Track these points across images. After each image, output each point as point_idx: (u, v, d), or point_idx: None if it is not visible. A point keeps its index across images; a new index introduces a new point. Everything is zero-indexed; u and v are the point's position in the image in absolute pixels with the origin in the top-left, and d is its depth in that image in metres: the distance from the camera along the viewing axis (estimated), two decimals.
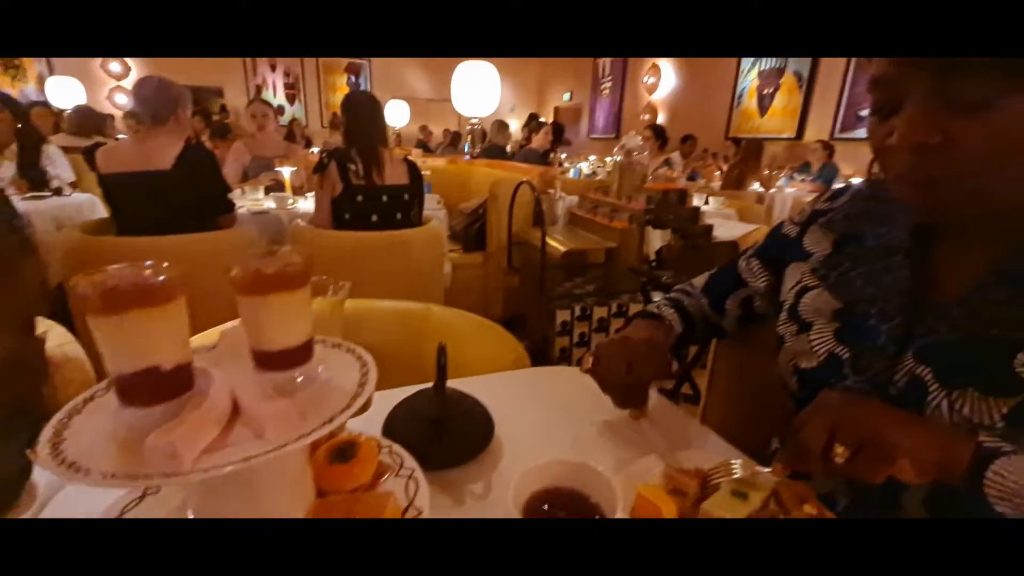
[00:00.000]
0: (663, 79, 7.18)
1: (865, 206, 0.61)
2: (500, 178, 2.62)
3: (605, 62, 8.32)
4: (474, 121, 3.65)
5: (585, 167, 4.59)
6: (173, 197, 1.75)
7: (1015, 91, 0.37)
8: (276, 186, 2.62)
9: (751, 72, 5.80)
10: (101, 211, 2.50)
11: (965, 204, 0.43)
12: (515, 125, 8.82)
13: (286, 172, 2.53)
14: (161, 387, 0.25)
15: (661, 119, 7.19)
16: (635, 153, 2.12)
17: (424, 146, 7.59)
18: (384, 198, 2.01)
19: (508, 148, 5.21)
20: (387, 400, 0.62)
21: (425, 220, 2.17)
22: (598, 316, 2.28)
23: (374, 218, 2.00)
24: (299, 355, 0.30)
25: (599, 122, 8.64)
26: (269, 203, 2.41)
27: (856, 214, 0.61)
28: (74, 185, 2.86)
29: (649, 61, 7.38)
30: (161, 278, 0.24)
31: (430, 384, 0.61)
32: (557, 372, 0.80)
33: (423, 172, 2.77)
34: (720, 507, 0.47)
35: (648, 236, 2.56)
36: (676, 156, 5.58)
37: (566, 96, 9.63)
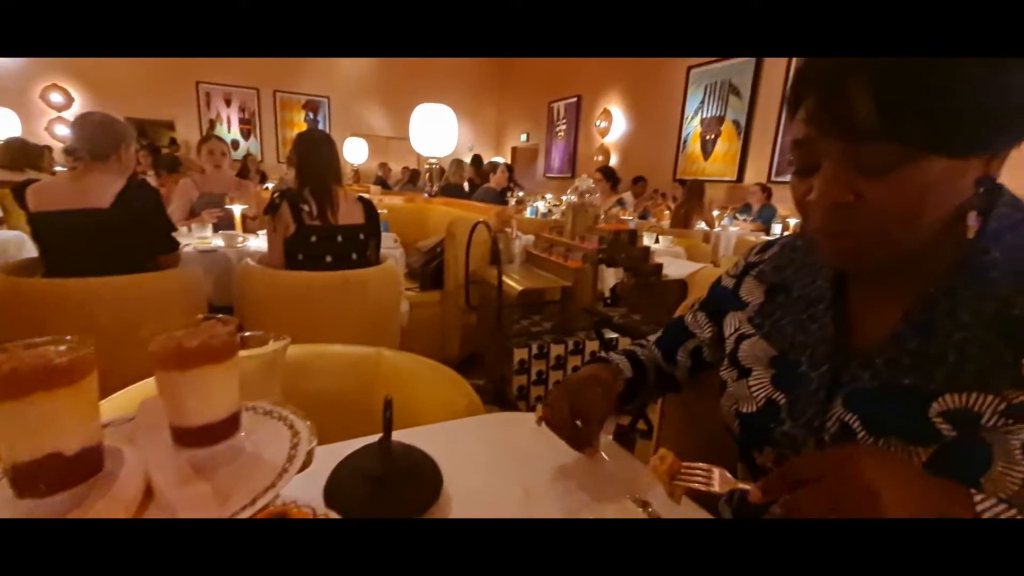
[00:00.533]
0: (614, 123, 7.54)
1: (792, 257, 0.64)
2: (457, 217, 2.65)
3: (559, 106, 8.67)
4: (432, 160, 3.70)
5: (542, 206, 4.69)
6: (110, 237, 1.67)
7: (909, 162, 0.41)
8: (225, 223, 2.54)
9: (694, 119, 6.18)
10: (30, 250, 2.35)
11: (874, 253, 0.47)
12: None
13: (237, 210, 2.46)
14: (64, 474, 0.23)
15: (614, 160, 7.50)
16: (587, 195, 2.19)
17: (383, 183, 7.59)
18: (339, 238, 1.98)
19: (465, 186, 5.29)
20: (333, 454, 0.59)
21: (382, 259, 2.15)
22: (555, 354, 2.29)
23: (328, 258, 1.96)
24: (223, 429, 0.28)
25: (555, 162, 8.92)
26: (217, 241, 2.32)
27: (784, 265, 0.64)
28: (0, 222, 2.68)
29: (601, 106, 7.74)
30: (69, 355, 0.23)
31: (377, 437, 0.59)
32: (509, 419, 0.79)
33: (380, 211, 2.76)
34: None
35: (602, 274, 2.63)
36: (628, 196, 5.80)
37: (523, 137, 9.93)
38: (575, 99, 8.26)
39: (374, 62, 9.21)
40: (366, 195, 2.37)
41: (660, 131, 6.69)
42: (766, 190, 4.70)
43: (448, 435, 0.72)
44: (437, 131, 3.49)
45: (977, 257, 0.46)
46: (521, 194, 5.81)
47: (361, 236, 2.04)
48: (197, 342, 0.27)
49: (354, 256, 2.02)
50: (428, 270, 2.80)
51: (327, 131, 8.98)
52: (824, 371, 0.53)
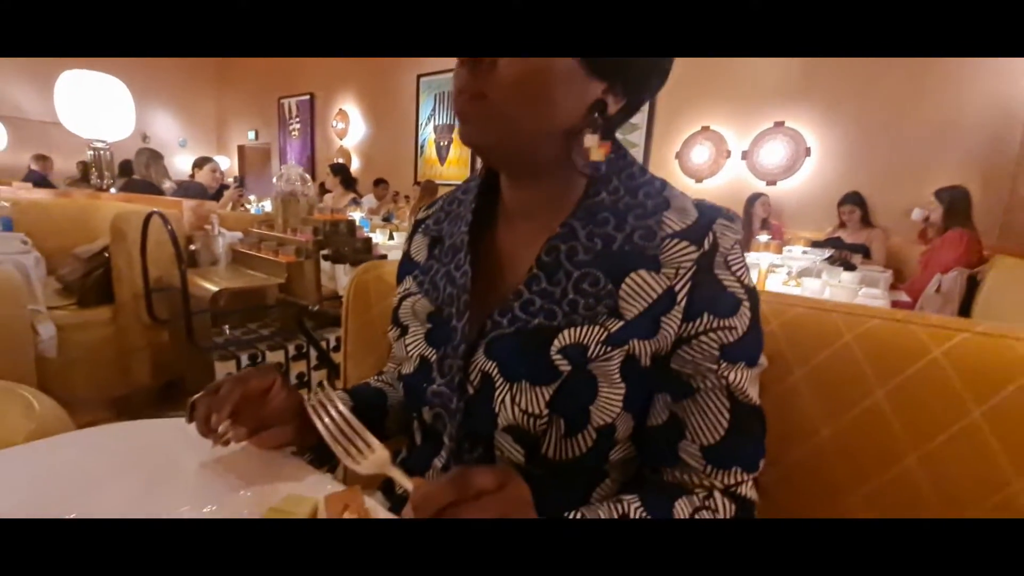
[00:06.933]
0: (352, 125, 7.31)
1: (448, 209, 0.61)
2: (127, 211, 2.10)
3: (291, 103, 7.99)
4: (99, 145, 2.89)
5: (268, 205, 4.21)
6: None
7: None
8: None
9: (428, 126, 6.44)
10: None
11: (500, 136, 0.47)
12: (186, 161, 7.53)
13: None
14: None
15: (356, 163, 7.27)
16: (296, 183, 1.99)
17: (41, 180, 5.70)
18: None
19: (167, 185, 4.35)
20: None
21: None
22: (274, 362, 2.01)
23: None
24: None
25: (292, 163, 8.19)
26: None
27: (443, 217, 0.61)
28: None
29: (336, 106, 7.42)
30: None
31: None
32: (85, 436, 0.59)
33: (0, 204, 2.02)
34: None
35: (336, 272, 2.45)
36: (370, 198, 5.69)
37: (251, 134, 8.82)
38: (307, 97, 7.72)
39: None
40: None
41: (398, 135, 6.75)
42: None
43: None
44: (101, 107, 2.74)
45: (590, 199, 0.49)
46: (253, 197, 5.10)
47: None
48: None
49: None
50: (90, 281, 2.16)
51: None
52: (465, 322, 0.50)
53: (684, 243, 0.47)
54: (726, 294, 0.46)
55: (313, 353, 2.16)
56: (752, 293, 0.48)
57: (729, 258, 0.47)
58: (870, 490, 0.55)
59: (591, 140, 0.47)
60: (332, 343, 2.20)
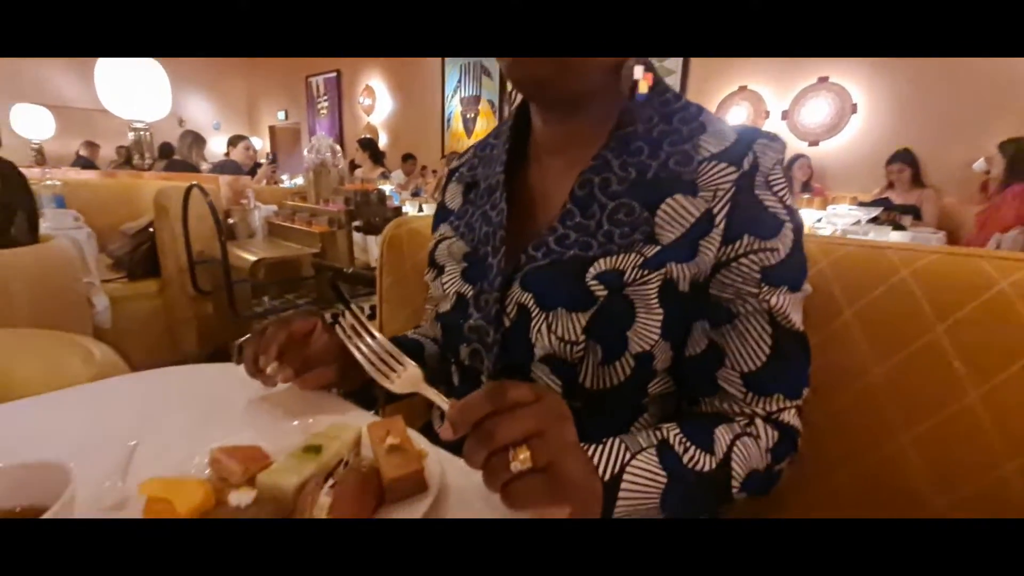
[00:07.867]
0: (379, 101, 7.30)
1: (482, 155, 0.62)
2: (168, 187, 2.17)
3: (318, 81, 8.02)
4: (139, 125, 2.98)
5: (302, 181, 4.28)
6: None
7: None
8: None
9: (454, 98, 6.38)
10: None
11: (554, 72, 0.45)
12: (220, 143, 7.72)
13: None
14: None
15: (383, 140, 7.29)
16: (326, 153, 2.01)
17: (88, 164, 5.96)
18: None
19: (204, 167, 4.48)
20: None
21: (43, 239, 1.62)
22: None
23: None
24: None
25: (321, 134, 8.28)
26: None
27: (476, 163, 0.62)
28: None
29: (362, 82, 7.41)
30: None
31: None
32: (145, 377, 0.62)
33: (50, 182, 2.13)
34: (277, 474, 0.38)
35: (368, 244, 2.49)
36: (398, 173, 5.71)
37: (281, 115, 8.94)
38: (334, 74, 7.74)
39: None
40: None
41: (425, 109, 6.72)
42: None
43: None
44: (139, 89, 2.82)
45: (623, 131, 0.48)
46: (285, 176, 5.20)
47: None
48: None
49: None
50: (137, 256, 2.26)
51: None
52: (501, 257, 0.51)
53: (722, 165, 0.45)
54: (767, 214, 0.45)
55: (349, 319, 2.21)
56: (795, 214, 0.46)
57: (770, 178, 0.45)
58: (923, 431, 0.53)
59: (639, 71, 0.47)
60: (367, 311, 2.24)
